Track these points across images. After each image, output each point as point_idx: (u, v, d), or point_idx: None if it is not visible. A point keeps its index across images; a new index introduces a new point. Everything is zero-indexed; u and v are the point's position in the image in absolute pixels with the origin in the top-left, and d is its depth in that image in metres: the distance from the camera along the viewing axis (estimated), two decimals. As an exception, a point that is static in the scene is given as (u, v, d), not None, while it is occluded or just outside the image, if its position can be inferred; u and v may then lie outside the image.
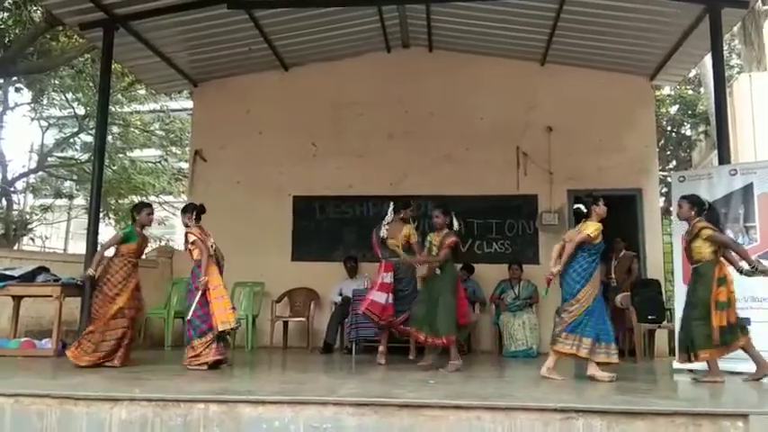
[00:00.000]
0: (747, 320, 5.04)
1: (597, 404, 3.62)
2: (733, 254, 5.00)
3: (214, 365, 5.40)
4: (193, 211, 5.79)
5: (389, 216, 6.24)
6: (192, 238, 5.61)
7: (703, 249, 4.90)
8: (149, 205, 6.06)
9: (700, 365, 5.10)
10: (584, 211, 5.20)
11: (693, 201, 5.06)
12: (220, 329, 5.43)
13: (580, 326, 4.96)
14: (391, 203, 6.37)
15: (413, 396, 3.85)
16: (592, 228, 5.04)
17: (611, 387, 4.56)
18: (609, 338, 5.01)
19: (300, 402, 3.67)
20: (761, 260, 5.08)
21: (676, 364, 5.79)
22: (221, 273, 5.75)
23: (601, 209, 5.17)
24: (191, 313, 5.48)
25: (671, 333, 6.96)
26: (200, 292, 5.47)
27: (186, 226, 5.78)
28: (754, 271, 4.88)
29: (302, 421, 3.60)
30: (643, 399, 3.96)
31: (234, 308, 5.68)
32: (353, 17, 8.12)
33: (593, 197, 5.24)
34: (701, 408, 3.66)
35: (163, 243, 17.26)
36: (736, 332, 4.84)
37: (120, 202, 17.19)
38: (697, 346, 4.85)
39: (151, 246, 16.31)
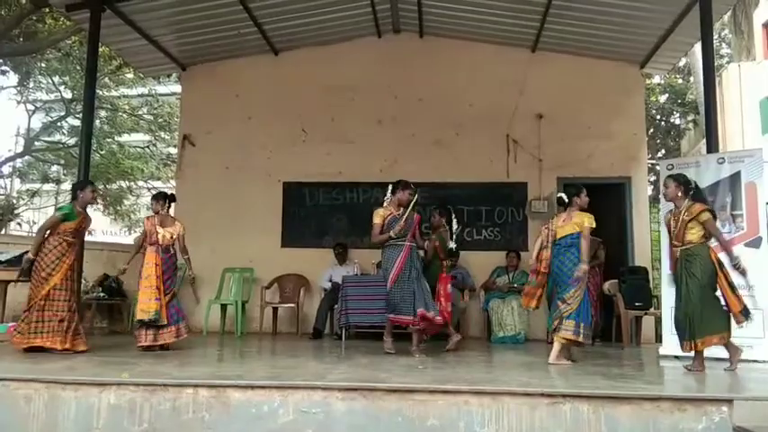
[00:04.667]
0: None
1: (584, 389, 3.65)
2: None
3: (148, 349, 5.59)
4: (165, 199, 5.98)
5: (388, 198, 5.91)
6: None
7: (697, 232, 4.88)
8: (93, 183, 6.04)
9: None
10: (566, 200, 5.32)
11: (681, 180, 5.04)
12: (138, 317, 5.65)
13: (581, 312, 5.09)
14: (390, 186, 5.97)
15: (401, 381, 3.87)
16: (590, 219, 5.19)
17: (598, 372, 4.61)
18: (589, 320, 5.17)
19: (289, 387, 3.68)
20: (740, 256, 5.07)
21: (662, 350, 5.88)
22: (186, 263, 5.98)
23: (582, 200, 5.32)
24: None
25: (657, 319, 7.04)
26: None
27: (156, 213, 5.95)
28: (734, 267, 4.92)
29: (291, 406, 3.61)
30: (629, 384, 4.00)
31: (158, 299, 5.65)
32: (344, 1, 8.05)
33: (576, 187, 5.39)
34: (686, 393, 3.72)
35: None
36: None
37: (108, 186, 17.07)
38: (702, 332, 4.74)
39: (139, 231, 16.28)
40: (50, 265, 5.36)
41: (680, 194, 4.98)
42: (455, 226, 6.17)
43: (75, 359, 4.90)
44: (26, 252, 6.70)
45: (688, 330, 4.82)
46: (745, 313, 4.78)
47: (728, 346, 4.85)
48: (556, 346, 5.13)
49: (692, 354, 4.88)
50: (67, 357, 5.01)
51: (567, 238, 5.22)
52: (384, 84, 8.77)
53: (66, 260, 5.43)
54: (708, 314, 4.77)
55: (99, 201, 16.27)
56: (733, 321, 4.81)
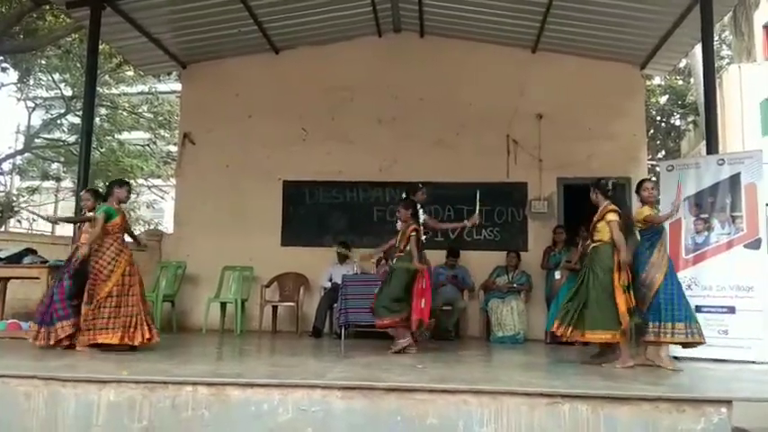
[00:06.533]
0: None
1: (582, 389, 3.65)
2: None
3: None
4: (96, 197, 6.08)
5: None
6: None
7: (605, 231, 5.13)
8: (129, 183, 6.18)
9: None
10: None
11: (601, 188, 5.35)
12: None
13: None
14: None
15: (400, 380, 3.87)
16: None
17: (597, 372, 4.61)
18: None
19: (289, 385, 3.69)
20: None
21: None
22: None
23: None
24: None
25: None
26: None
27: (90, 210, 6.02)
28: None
29: (291, 404, 3.61)
30: (628, 384, 4.01)
31: None
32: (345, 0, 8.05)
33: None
34: (685, 393, 3.72)
35: (152, 226, 17.23)
36: (635, 315, 5.00)
37: (107, 184, 17.03)
38: (594, 326, 4.94)
39: (141, 228, 16.30)
40: (107, 266, 5.42)
41: (602, 198, 5.32)
42: (422, 218, 6.12)
43: (74, 356, 4.90)
44: (28, 249, 6.81)
45: (579, 320, 5.01)
46: (632, 312, 4.93)
47: (621, 345, 4.99)
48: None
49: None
50: (67, 355, 5.01)
51: None
52: (384, 83, 8.77)
53: (123, 258, 5.49)
54: (602, 310, 4.94)
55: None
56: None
